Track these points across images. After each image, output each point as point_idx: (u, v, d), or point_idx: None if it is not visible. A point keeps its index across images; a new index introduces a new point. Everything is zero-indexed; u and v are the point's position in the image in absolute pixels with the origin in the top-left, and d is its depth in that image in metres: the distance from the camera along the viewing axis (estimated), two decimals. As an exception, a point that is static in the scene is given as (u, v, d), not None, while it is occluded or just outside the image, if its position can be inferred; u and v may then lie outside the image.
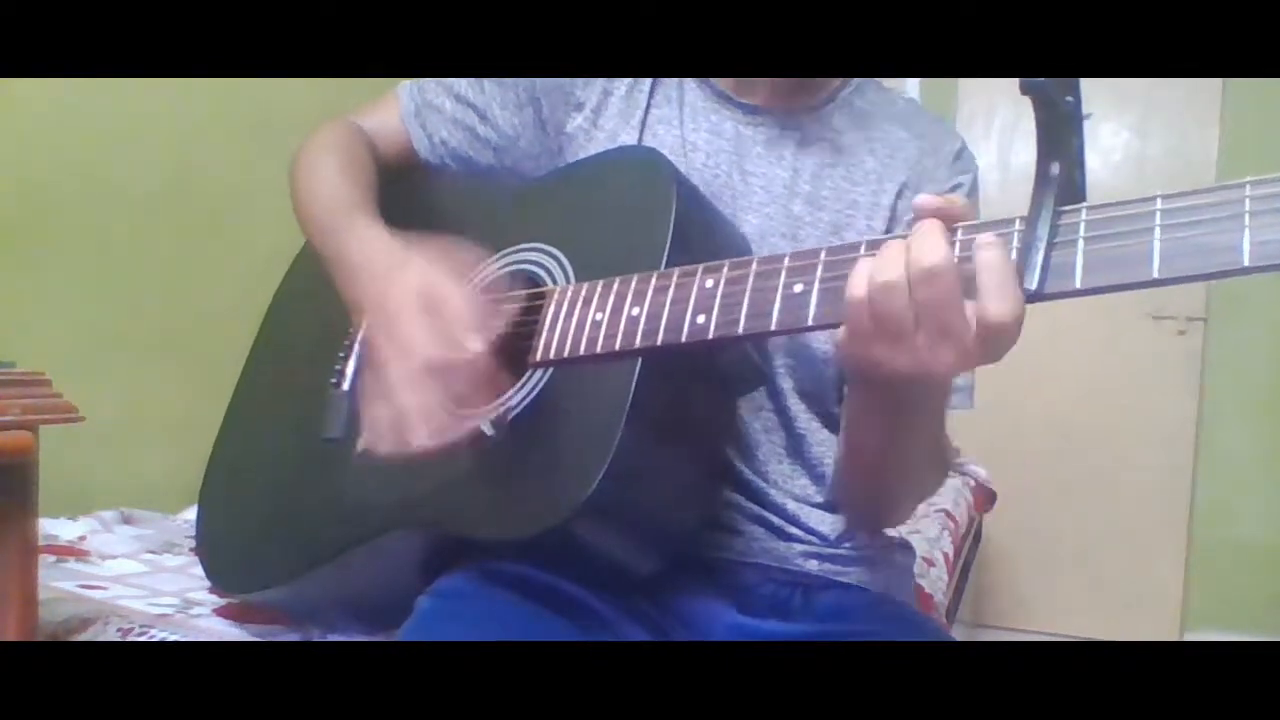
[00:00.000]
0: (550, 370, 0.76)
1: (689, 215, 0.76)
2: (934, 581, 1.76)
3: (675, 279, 0.67)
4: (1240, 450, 3.07)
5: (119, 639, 0.97)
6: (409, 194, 0.96)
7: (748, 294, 0.63)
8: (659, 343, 0.66)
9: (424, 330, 0.69)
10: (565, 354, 0.71)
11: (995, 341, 0.56)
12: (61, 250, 1.72)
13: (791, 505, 0.87)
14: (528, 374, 0.77)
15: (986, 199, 0.96)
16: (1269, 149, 2.95)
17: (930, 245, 0.56)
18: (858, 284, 0.58)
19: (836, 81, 0.92)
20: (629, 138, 0.90)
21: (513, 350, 0.75)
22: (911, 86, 3.14)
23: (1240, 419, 3.08)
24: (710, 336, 0.64)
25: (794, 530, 0.87)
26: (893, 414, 0.72)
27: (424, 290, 0.71)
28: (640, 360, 0.71)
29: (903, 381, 0.62)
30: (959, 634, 2.73)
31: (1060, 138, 0.56)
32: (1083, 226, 0.54)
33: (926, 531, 1.96)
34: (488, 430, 0.73)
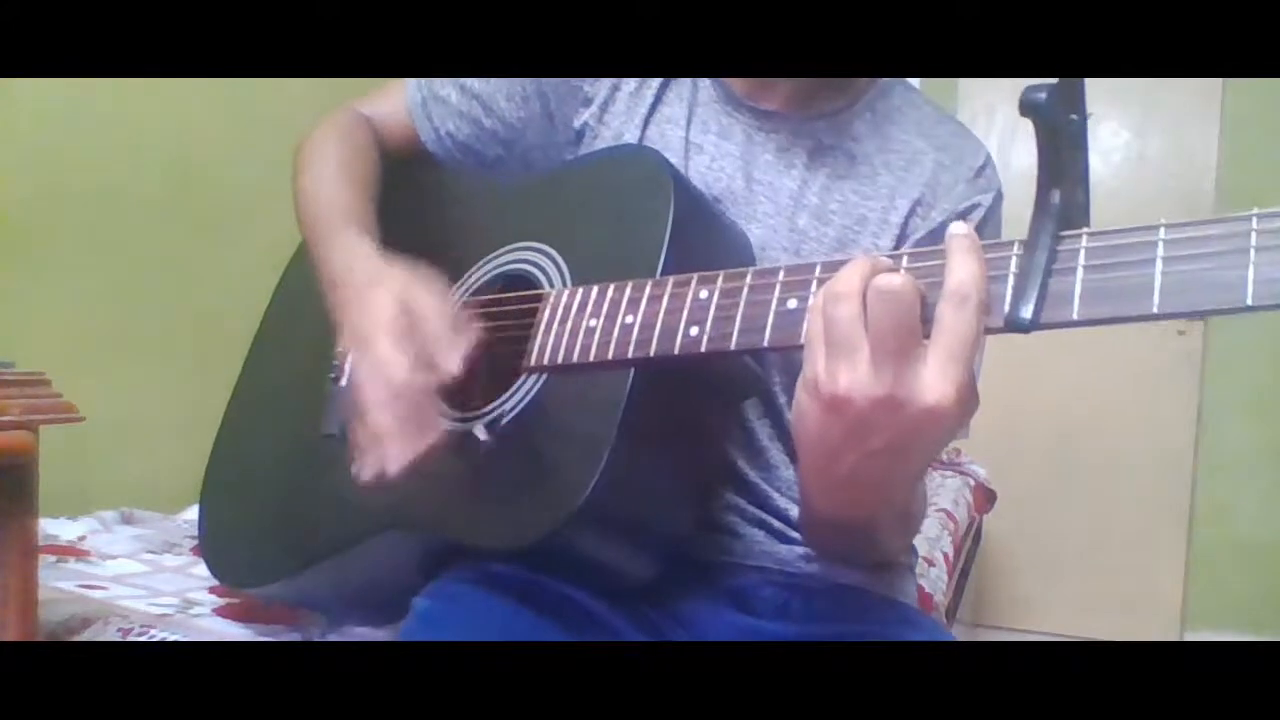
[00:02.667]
0: (544, 375, 0.76)
1: (687, 216, 0.76)
2: (934, 581, 1.76)
3: (670, 288, 0.66)
4: (1240, 450, 3.07)
5: (119, 639, 0.97)
6: (410, 189, 0.96)
7: (741, 308, 0.62)
8: (652, 353, 0.65)
9: (399, 352, 0.68)
10: (559, 360, 0.70)
11: (949, 356, 0.52)
12: (62, 250, 1.72)
13: (793, 510, 0.87)
14: (521, 379, 0.77)
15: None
16: (1269, 149, 2.95)
17: (895, 277, 0.53)
18: (818, 296, 0.57)
19: (860, 84, 0.89)
20: (633, 136, 0.89)
21: (506, 354, 0.75)
22: (912, 87, 3.14)
23: (1240, 419, 3.08)
24: (703, 349, 0.63)
25: (794, 534, 0.87)
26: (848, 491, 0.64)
27: (400, 308, 0.70)
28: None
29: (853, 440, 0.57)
30: (959, 634, 2.73)
31: (1062, 162, 0.53)
32: (1082, 254, 0.51)
33: (926, 531, 1.96)
34: (481, 436, 0.73)
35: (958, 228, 0.54)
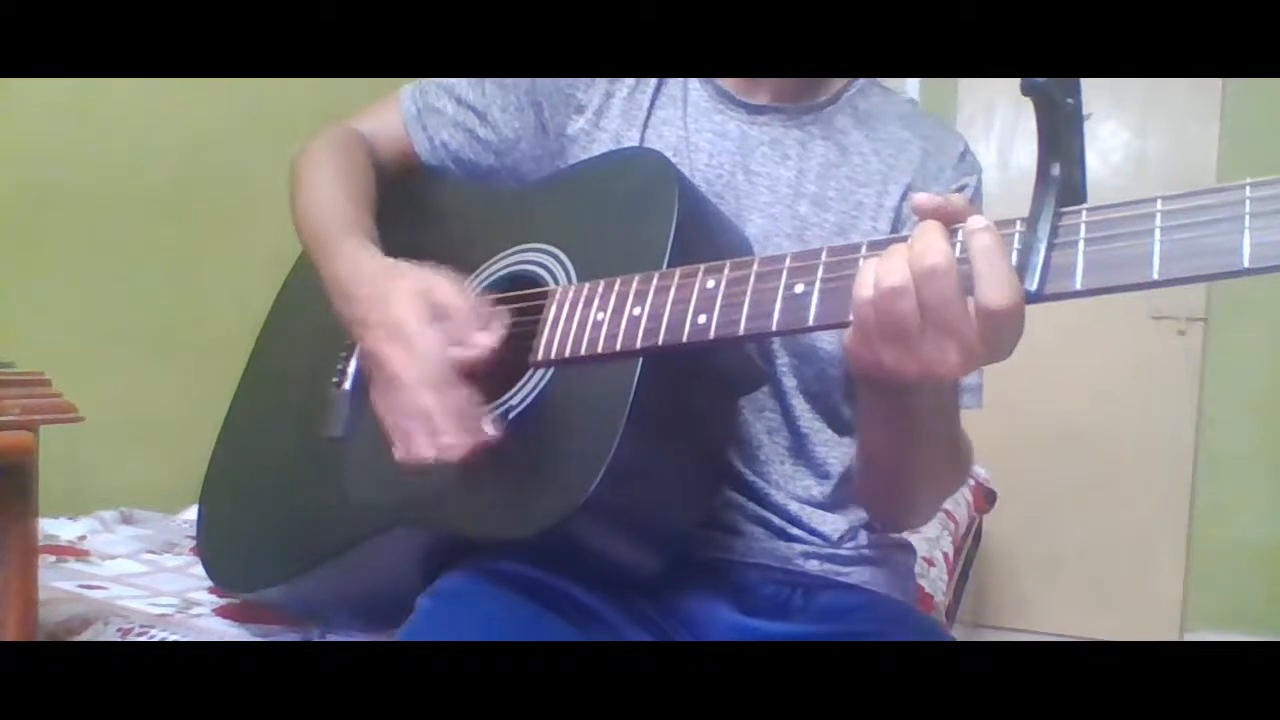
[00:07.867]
0: (551, 370, 0.76)
1: (691, 215, 0.76)
2: (934, 581, 1.76)
3: (677, 279, 0.67)
4: (1240, 450, 3.07)
5: (119, 639, 0.97)
6: (411, 198, 0.96)
7: (749, 294, 0.63)
8: (660, 343, 0.66)
9: (433, 333, 0.69)
10: (566, 354, 0.71)
11: (998, 334, 0.56)
12: (62, 250, 1.72)
13: (793, 506, 0.87)
14: (528, 374, 0.77)
15: (986, 198, 0.96)
16: (1269, 149, 2.95)
17: (931, 243, 0.56)
18: (864, 286, 0.58)
19: (840, 82, 0.92)
20: (632, 139, 0.89)
21: (514, 350, 0.75)
22: (911, 86, 3.14)
23: (1240, 419, 3.08)
24: (711, 337, 0.64)
25: (795, 531, 0.87)
26: (904, 418, 0.72)
27: (424, 295, 0.71)
28: (641, 360, 0.71)
29: (911, 385, 0.62)
30: (959, 634, 2.73)
31: (1061, 139, 0.56)
32: (1083, 228, 0.54)
33: (926, 531, 1.96)
34: (489, 430, 0.73)
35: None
